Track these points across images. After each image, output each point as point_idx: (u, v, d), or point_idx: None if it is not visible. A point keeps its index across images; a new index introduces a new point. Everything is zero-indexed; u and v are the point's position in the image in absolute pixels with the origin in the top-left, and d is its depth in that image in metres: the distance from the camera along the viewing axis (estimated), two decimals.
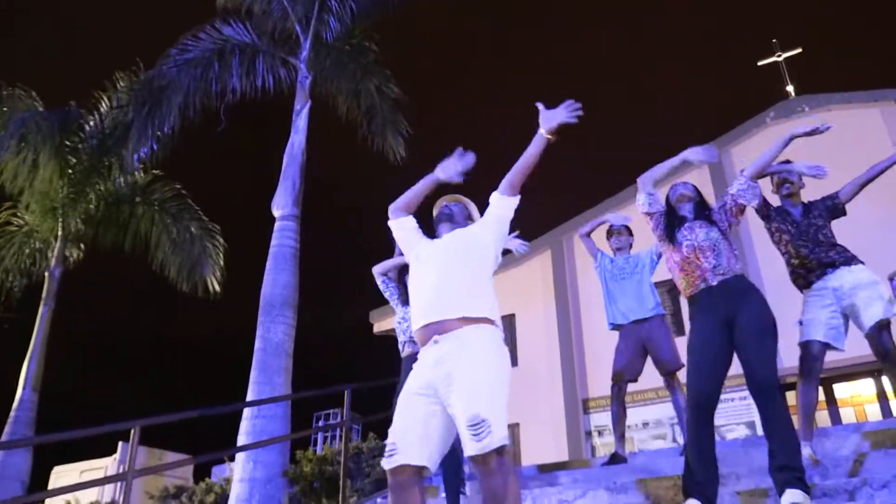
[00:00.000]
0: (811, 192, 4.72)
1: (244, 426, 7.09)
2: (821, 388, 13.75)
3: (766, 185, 4.38)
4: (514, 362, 18.58)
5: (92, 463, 19.01)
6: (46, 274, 10.98)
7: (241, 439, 7.00)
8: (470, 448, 2.60)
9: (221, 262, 12.40)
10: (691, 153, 3.93)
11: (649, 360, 5.34)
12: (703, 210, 3.91)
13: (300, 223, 8.43)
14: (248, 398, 7.28)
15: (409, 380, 2.98)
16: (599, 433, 16.30)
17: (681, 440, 5.16)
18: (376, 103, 10.21)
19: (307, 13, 9.34)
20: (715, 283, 3.60)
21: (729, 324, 3.52)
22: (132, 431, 4.47)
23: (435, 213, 3.45)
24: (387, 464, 2.78)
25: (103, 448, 20.04)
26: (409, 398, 2.91)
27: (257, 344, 7.55)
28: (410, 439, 2.82)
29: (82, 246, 11.75)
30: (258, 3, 9.41)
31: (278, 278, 7.87)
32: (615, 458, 5.23)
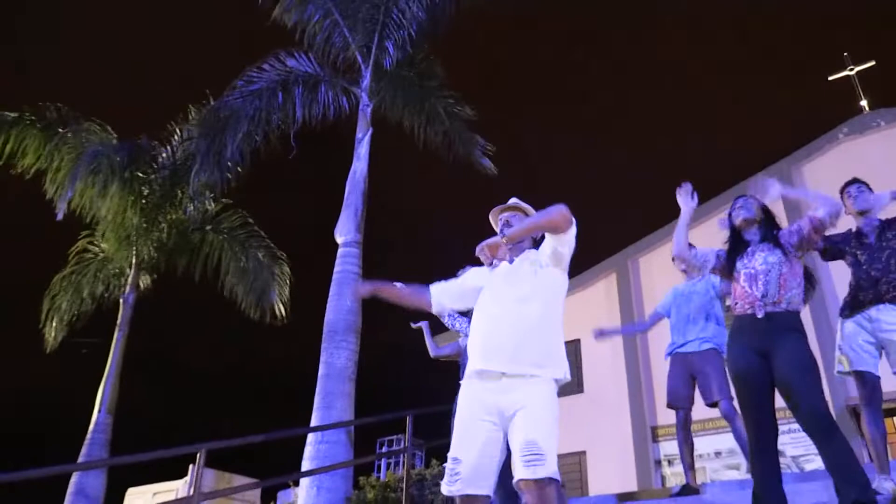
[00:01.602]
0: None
1: (308, 451, 7.12)
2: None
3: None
4: (580, 388, 18.20)
5: (165, 485, 19.41)
6: (120, 300, 11.35)
7: (305, 465, 7.03)
8: (521, 472, 2.62)
9: (288, 289, 12.64)
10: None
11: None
12: (770, 231, 3.69)
13: (362, 249, 8.49)
14: (312, 423, 7.31)
15: (469, 403, 2.93)
16: (670, 462, 15.80)
17: None
18: (449, 126, 10.25)
19: (367, 42, 9.50)
20: (761, 314, 3.45)
21: (765, 356, 3.38)
22: (198, 455, 4.54)
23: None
24: (451, 490, 2.77)
25: (176, 471, 20.50)
26: (471, 422, 2.87)
27: (321, 370, 7.60)
28: (475, 465, 2.80)
29: (154, 273, 12.12)
30: (320, 34, 9.61)
31: (341, 304, 7.93)
32: (686, 490, 5.04)
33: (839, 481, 3.03)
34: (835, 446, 3.07)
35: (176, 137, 11.87)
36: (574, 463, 17.47)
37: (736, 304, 3.61)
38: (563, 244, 2.99)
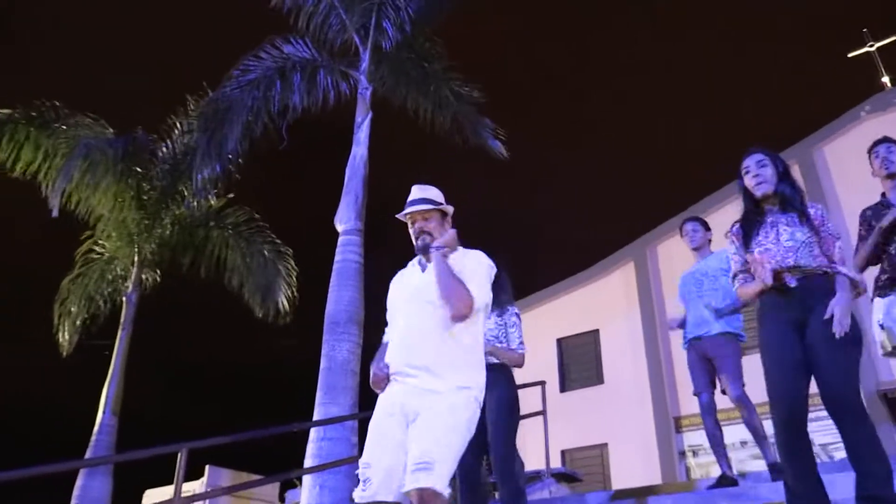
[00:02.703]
0: None
1: (309, 449, 6.81)
2: None
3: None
4: (600, 380, 17.87)
5: (184, 486, 19.22)
6: (124, 299, 11.13)
7: (307, 463, 6.72)
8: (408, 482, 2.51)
9: (294, 285, 12.39)
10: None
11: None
12: (793, 197, 3.22)
13: (364, 237, 8.17)
14: (314, 420, 7.00)
15: (383, 399, 2.83)
16: (694, 453, 15.38)
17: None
18: (457, 109, 9.90)
19: (365, 23, 9.15)
20: (794, 283, 3.04)
21: (801, 328, 2.98)
22: (179, 455, 4.27)
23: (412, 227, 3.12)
24: (363, 497, 2.61)
25: (198, 471, 20.30)
26: (384, 420, 2.76)
27: (322, 363, 7.29)
28: (384, 468, 2.64)
29: (158, 271, 11.88)
30: (315, 17, 9.28)
31: (342, 295, 7.60)
32: (723, 481, 4.66)
33: (861, 473, 2.77)
34: (860, 434, 2.79)
35: (176, 131, 11.59)
36: (595, 455, 17.10)
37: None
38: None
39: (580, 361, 18.45)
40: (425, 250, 2.99)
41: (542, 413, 7.72)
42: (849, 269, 3.11)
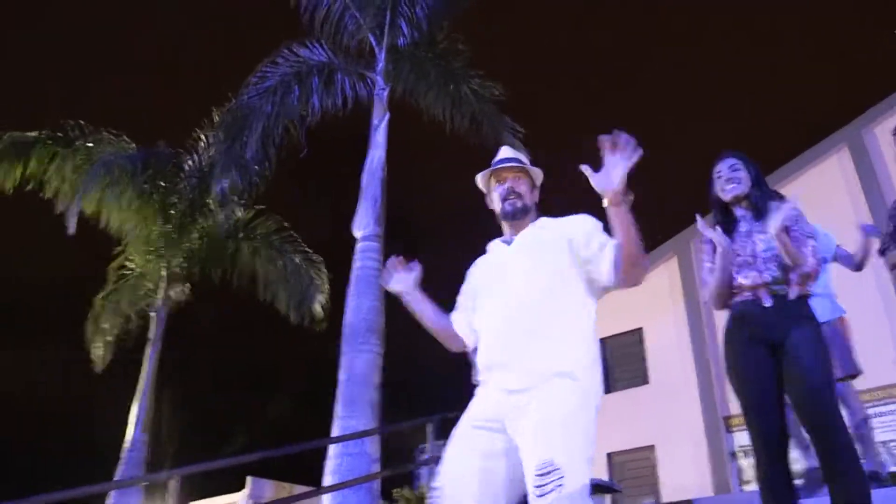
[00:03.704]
0: None
1: (328, 465, 6.54)
2: None
3: None
4: (645, 379, 17.36)
5: (225, 498, 19.33)
6: (153, 314, 11.09)
7: (327, 480, 6.47)
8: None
9: (327, 292, 12.27)
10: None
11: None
12: (765, 202, 3.00)
13: (384, 243, 7.90)
14: (333, 434, 6.74)
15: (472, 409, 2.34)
16: (746, 454, 14.75)
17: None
18: (476, 108, 9.59)
19: (379, 22, 8.90)
20: (768, 303, 2.90)
21: (775, 349, 2.86)
22: (168, 485, 4.06)
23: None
24: None
25: (239, 482, 20.36)
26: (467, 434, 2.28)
27: (340, 375, 7.02)
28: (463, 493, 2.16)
29: (188, 285, 11.83)
30: (330, 18, 9.06)
31: (361, 303, 7.33)
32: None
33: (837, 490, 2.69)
34: (834, 444, 2.73)
35: (202, 143, 11.52)
36: (643, 458, 16.59)
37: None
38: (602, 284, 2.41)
39: (624, 361, 17.98)
40: (517, 213, 2.50)
41: None
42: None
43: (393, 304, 7.60)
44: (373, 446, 6.64)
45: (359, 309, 7.32)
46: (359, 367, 6.96)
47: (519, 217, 2.50)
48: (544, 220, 2.55)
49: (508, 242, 2.52)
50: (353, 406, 6.78)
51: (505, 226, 2.57)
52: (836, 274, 4.91)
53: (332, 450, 6.58)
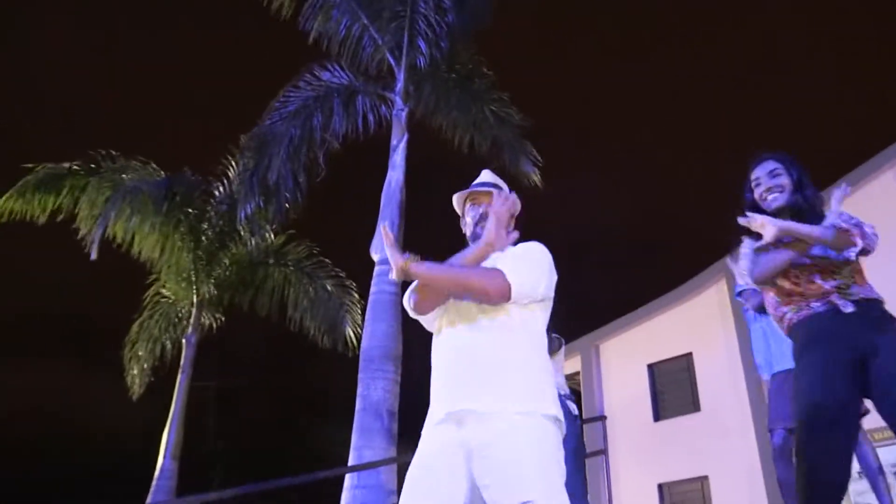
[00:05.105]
0: None
1: (344, 497, 6.28)
2: None
3: None
4: (696, 407, 16.63)
5: None
6: (183, 341, 11.07)
7: None
8: None
9: (359, 318, 12.12)
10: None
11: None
12: (804, 204, 2.71)
13: None
14: (349, 465, 6.47)
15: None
16: None
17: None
18: (498, 132, 9.39)
19: (398, 41, 8.76)
20: (848, 309, 2.51)
21: (861, 364, 2.43)
22: None
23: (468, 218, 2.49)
24: None
25: None
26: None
27: (357, 404, 6.76)
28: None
29: (220, 311, 11.81)
30: (349, 40, 8.97)
31: (377, 329, 7.09)
32: None
33: None
34: None
35: (230, 170, 11.54)
36: (696, 489, 15.83)
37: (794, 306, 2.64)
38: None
39: (674, 388, 17.28)
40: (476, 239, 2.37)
41: (604, 452, 6.91)
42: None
43: (411, 329, 7.36)
44: (388, 476, 6.35)
45: (374, 335, 7.08)
46: (374, 395, 6.70)
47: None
48: (510, 248, 2.35)
49: None
50: (369, 435, 6.51)
51: None
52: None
53: (348, 481, 6.32)
